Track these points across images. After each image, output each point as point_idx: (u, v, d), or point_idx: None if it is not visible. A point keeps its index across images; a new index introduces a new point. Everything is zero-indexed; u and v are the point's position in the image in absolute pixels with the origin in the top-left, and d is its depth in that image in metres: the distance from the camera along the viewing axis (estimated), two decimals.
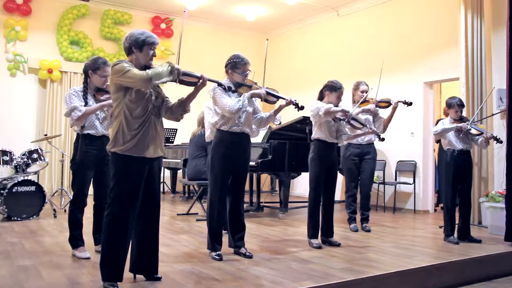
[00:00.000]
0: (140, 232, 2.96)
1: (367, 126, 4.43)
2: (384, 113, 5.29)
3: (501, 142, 4.59)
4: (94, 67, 3.60)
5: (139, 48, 2.85)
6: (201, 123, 6.01)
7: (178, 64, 2.96)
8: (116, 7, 8.83)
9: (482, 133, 4.55)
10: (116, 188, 2.78)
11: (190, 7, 8.58)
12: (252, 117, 3.83)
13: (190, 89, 3.10)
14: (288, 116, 6.25)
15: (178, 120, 3.11)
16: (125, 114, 2.78)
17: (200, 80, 3.07)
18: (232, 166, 3.70)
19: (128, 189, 2.78)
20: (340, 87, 4.26)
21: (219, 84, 3.39)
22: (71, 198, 3.71)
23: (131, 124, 2.78)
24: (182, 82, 3.02)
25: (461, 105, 4.62)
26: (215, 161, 3.68)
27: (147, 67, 2.88)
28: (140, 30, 2.92)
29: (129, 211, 2.79)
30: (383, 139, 4.38)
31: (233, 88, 3.68)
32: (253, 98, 3.78)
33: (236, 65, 3.70)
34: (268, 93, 3.74)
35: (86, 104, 3.58)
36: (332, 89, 4.26)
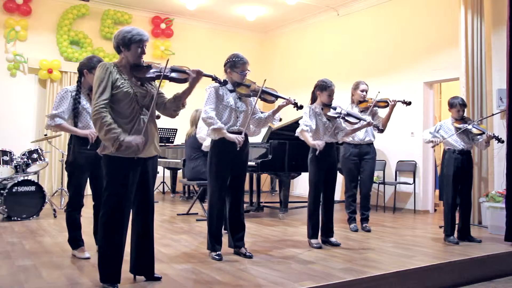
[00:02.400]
0: (136, 233, 2.95)
1: (363, 119, 4.40)
2: (383, 113, 5.29)
3: (503, 141, 4.59)
4: (89, 66, 3.58)
5: (126, 46, 2.80)
6: (194, 123, 5.97)
7: (167, 65, 2.86)
8: (116, 7, 8.83)
9: (483, 133, 4.55)
10: (109, 189, 2.75)
11: (190, 7, 8.58)
12: (250, 118, 3.83)
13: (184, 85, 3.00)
14: (288, 116, 6.24)
15: (172, 116, 3.05)
16: (112, 116, 2.74)
17: (193, 75, 2.93)
18: (231, 166, 3.70)
19: (121, 190, 2.75)
20: (331, 85, 4.24)
21: (214, 78, 3.29)
22: (68, 199, 3.70)
23: (119, 125, 2.73)
24: (172, 79, 2.91)
25: (463, 104, 4.62)
26: (213, 161, 3.68)
27: (136, 65, 2.84)
28: (129, 28, 2.85)
29: (123, 212, 2.77)
30: (382, 130, 4.37)
31: (230, 88, 3.69)
32: (252, 98, 3.78)
33: (235, 64, 3.70)
34: (265, 92, 3.73)
35: (79, 103, 3.58)
36: (322, 88, 4.26)
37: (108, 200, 2.75)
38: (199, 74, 2.95)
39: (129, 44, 2.79)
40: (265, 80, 3.72)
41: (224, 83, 3.35)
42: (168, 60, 2.93)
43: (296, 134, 4.25)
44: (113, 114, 2.75)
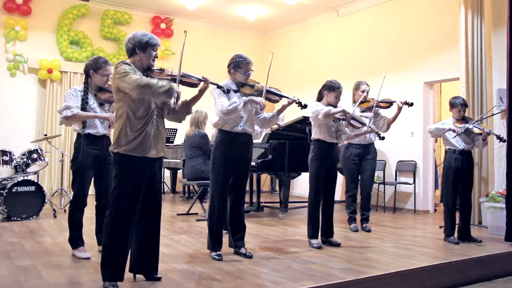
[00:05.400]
0: (141, 232, 2.96)
1: (367, 125, 4.42)
2: (385, 113, 5.29)
3: (505, 140, 4.58)
4: (95, 66, 3.61)
5: (142, 49, 2.88)
6: (193, 123, 5.98)
7: (181, 67, 2.98)
8: (116, 7, 8.83)
9: (482, 131, 4.55)
10: (118, 188, 2.79)
11: (190, 7, 8.58)
12: (255, 117, 3.83)
13: (191, 91, 3.12)
14: (289, 115, 6.25)
15: (180, 121, 3.15)
16: (128, 115, 2.80)
17: (202, 83, 3.11)
18: (234, 166, 3.70)
19: (130, 189, 2.79)
20: (339, 86, 4.26)
21: (218, 86, 3.42)
22: (71, 198, 3.71)
23: (134, 124, 2.79)
24: (184, 83, 3.05)
25: (464, 104, 4.62)
26: (216, 161, 3.68)
27: (149, 68, 2.93)
28: (142, 32, 2.96)
29: (131, 211, 2.81)
30: (383, 138, 4.38)
31: (234, 88, 3.68)
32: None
33: (238, 64, 3.71)
34: (269, 92, 3.73)
35: (87, 104, 3.59)
36: (330, 88, 4.26)
37: (117, 198, 2.78)
38: (207, 82, 3.12)
39: (146, 47, 2.89)
40: (267, 77, 3.70)
41: (227, 92, 3.40)
42: (182, 48, 3.01)
43: (320, 117, 4.08)
44: (130, 112, 2.80)
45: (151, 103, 2.86)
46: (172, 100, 2.87)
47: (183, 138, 6.21)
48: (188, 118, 5.83)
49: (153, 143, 2.87)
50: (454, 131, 4.53)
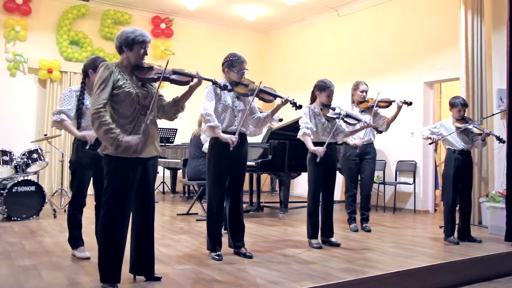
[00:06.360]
0: (136, 233, 2.95)
1: (362, 120, 4.39)
2: (384, 112, 5.29)
3: (504, 142, 4.59)
4: (94, 66, 3.60)
5: (129, 47, 2.80)
6: (201, 123, 6.02)
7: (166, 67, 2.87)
8: (116, 7, 8.83)
9: (481, 132, 4.55)
10: (110, 189, 2.75)
11: (190, 7, 8.58)
12: (249, 117, 3.82)
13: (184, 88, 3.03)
14: (288, 115, 6.25)
15: (171, 119, 3.06)
16: (112, 116, 2.75)
17: (194, 79, 3.00)
18: (230, 166, 3.69)
19: (122, 190, 2.75)
20: (330, 85, 4.23)
21: (214, 82, 3.33)
22: (70, 198, 3.71)
23: (119, 125, 2.74)
24: (173, 81, 2.94)
25: (464, 104, 4.62)
26: (212, 161, 3.67)
27: (138, 66, 2.84)
28: (132, 28, 2.86)
29: (124, 212, 2.77)
30: (381, 132, 4.39)
31: (229, 87, 3.67)
32: (250, 97, 3.74)
33: (232, 63, 3.69)
34: (263, 91, 3.72)
35: (83, 104, 3.59)
36: (321, 88, 4.24)
37: (109, 200, 2.75)
38: (200, 79, 3.00)
39: (132, 44, 2.79)
40: (260, 82, 3.70)
41: (224, 88, 3.37)
42: (168, 62, 2.93)
43: (298, 137, 4.24)
44: (114, 114, 2.76)
45: (134, 103, 2.77)
46: (130, 151, 2.72)
47: (189, 137, 6.26)
48: (195, 117, 5.87)
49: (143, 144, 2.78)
50: (430, 138, 4.62)
